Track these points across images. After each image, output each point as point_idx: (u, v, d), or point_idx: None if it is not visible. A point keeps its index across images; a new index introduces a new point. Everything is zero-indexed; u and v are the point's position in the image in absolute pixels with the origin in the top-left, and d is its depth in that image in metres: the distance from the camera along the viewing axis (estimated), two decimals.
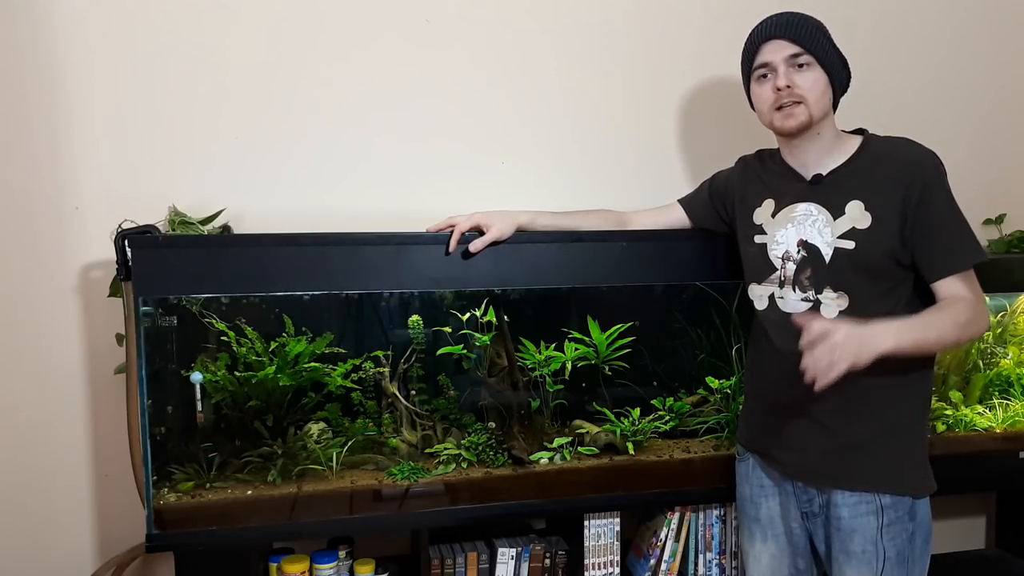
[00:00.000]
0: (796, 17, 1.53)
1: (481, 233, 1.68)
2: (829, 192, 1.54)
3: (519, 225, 1.71)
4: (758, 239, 1.62)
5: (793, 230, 1.56)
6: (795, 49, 1.51)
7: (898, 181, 1.47)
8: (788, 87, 1.51)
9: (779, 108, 1.53)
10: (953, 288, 1.45)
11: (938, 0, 2.32)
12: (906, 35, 2.31)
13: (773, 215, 1.61)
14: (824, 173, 1.55)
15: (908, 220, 1.46)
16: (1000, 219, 2.33)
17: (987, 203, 2.32)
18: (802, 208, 1.56)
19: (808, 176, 1.57)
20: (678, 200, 1.86)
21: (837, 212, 1.51)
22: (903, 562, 1.52)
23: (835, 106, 1.58)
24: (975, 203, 2.21)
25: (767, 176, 1.66)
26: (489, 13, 2.06)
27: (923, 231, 1.46)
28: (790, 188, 1.60)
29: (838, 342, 1.32)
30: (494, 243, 1.68)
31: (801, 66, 1.51)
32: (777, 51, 1.52)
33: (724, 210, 1.77)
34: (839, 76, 1.55)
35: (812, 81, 1.51)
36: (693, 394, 2.00)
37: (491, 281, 1.75)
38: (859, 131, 1.60)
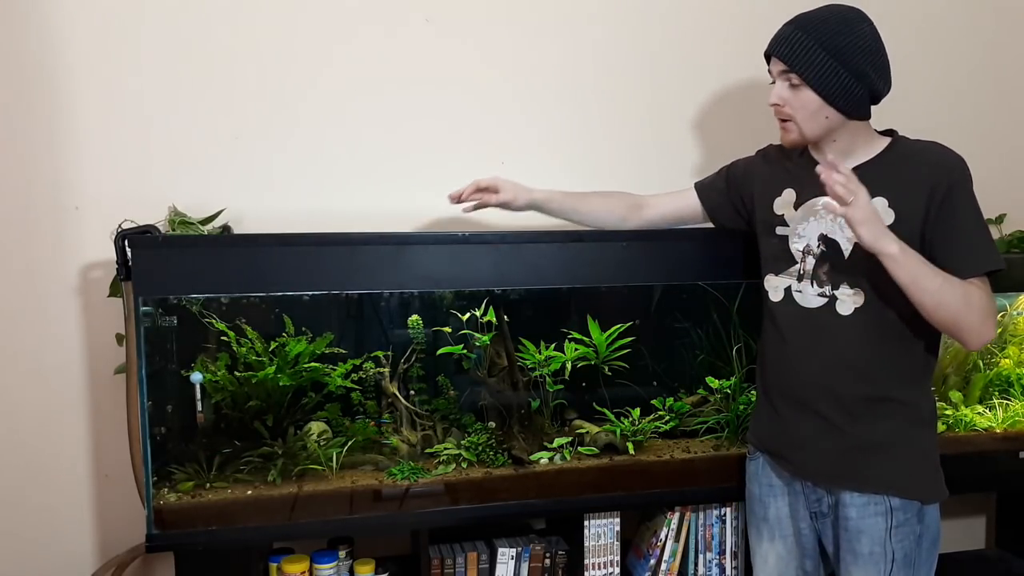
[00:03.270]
0: (797, 31, 1.47)
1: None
2: None
3: (532, 200, 1.73)
4: (780, 231, 1.61)
5: (815, 224, 1.55)
6: (785, 68, 1.48)
7: (926, 180, 1.45)
8: (776, 105, 1.51)
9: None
10: None
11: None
12: (906, 34, 2.30)
13: (796, 207, 1.59)
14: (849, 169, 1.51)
15: (930, 218, 1.44)
16: (1000, 219, 2.33)
17: (987, 203, 2.30)
18: (824, 201, 1.51)
19: None
20: (694, 184, 1.82)
21: None
22: (909, 564, 1.52)
23: (851, 114, 1.50)
24: None
25: (791, 165, 1.63)
26: (490, 13, 2.05)
27: (943, 231, 1.44)
28: (814, 180, 1.49)
29: (858, 193, 1.37)
30: (499, 206, 1.72)
31: (794, 85, 1.48)
32: (774, 66, 1.52)
33: (742, 203, 1.73)
34: (841, 92, 1.46)
35: (801, 102, 1.49)
36: (693, 394, 2.00)
37: (491, 281, 1.75)
38: (888, 132, 1.57)
